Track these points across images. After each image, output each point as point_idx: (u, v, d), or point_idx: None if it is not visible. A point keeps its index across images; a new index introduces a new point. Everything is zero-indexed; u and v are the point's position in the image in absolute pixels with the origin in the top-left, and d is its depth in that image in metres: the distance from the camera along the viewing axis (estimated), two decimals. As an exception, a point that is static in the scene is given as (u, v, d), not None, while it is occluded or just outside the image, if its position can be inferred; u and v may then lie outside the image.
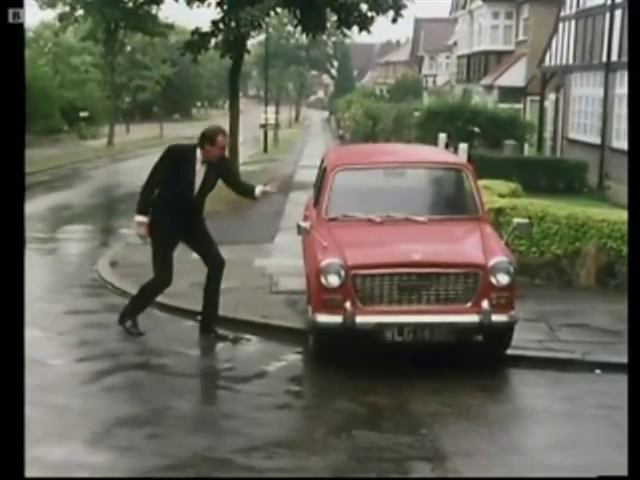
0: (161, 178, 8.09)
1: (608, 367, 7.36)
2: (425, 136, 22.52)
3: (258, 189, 8.28)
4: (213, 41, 21.49)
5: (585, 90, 24.41)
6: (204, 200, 8.31)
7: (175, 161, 8.11)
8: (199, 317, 8.49)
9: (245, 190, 8.52)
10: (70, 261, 13.15)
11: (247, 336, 8.38)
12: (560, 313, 8.96)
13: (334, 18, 21.77)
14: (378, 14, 20.51)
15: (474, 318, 7.10)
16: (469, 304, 7.14)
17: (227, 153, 8.22)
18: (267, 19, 22.47)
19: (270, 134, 40.00)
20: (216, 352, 7.99)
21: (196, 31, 21.44)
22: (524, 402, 7.03)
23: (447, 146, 18.96)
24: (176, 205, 8.02)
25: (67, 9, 38.35)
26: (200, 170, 8.06)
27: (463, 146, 16.55)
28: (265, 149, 37.37)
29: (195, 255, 8.38)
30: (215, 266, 8.31)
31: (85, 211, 18.07)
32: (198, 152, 8.07)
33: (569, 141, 25.83)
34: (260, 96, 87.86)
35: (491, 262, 7.13)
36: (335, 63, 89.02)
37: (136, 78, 60.96)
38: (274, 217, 15.63)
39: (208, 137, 8.04)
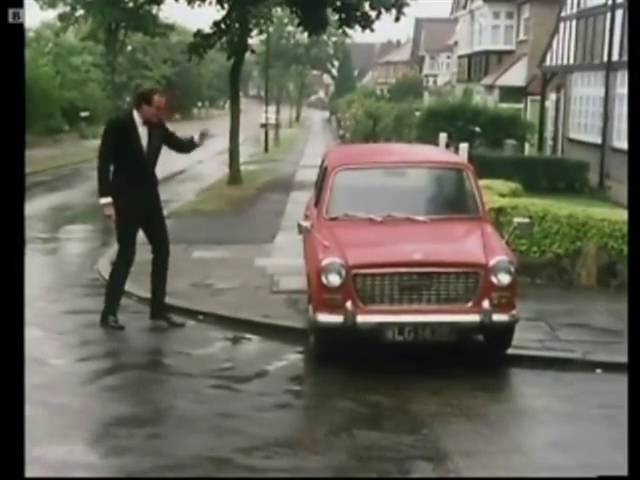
0: (111, 154, 8.18)
1: (609, 367, 7.35)
2: (426, 136, 22.52)
3: (196, 136, 8.54)
4: (216, 42, 21.53)
5: (586, 90, 24.40)
6: (155, 167, 8.41)
7: (117, 132, 8.21)
8: (165, 315, 8.54)
9: (187, 144, 8.71)
10: (71, 261, 13.15)
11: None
12: (561, 313, 8.95)
13: (335, 17, 21.78)
14: (380, 13, 20.53)
15: (475, 318, 7.09)
16: (470, 304, 7.13)
17: (165, 115, 8.37)
18: (272, 16, 22.54)
19: (271, 134, 40.00)
20: (216, 352, 7.98)
21: (198, 33, 21.45)
22: (525, 402, 7.02)
23: (448, 146, 18.97)
24: (133, 176, 8.12)
25: (68, 9, 38.41)
26: (143, 133, 8.14)
27: (464, 146, 16.57)
28: (266, 149, 37.36)
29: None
30: (162, 252, 8.44)
31: (86, 211, 18.03)
32: (136, 115, 8.14)
33: (570, 141, 25.82)
34: (261, 96, 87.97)
35: (492, 261, 7.12)
36: (336, 63, 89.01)
37: (137, 78, 60.95)
38: (275, 216, 15.61)
39: (144, 97, 8.16)
